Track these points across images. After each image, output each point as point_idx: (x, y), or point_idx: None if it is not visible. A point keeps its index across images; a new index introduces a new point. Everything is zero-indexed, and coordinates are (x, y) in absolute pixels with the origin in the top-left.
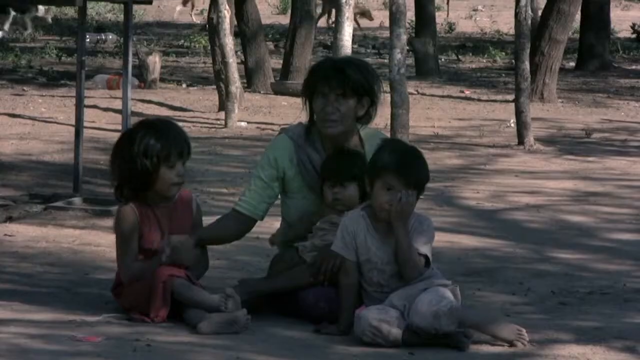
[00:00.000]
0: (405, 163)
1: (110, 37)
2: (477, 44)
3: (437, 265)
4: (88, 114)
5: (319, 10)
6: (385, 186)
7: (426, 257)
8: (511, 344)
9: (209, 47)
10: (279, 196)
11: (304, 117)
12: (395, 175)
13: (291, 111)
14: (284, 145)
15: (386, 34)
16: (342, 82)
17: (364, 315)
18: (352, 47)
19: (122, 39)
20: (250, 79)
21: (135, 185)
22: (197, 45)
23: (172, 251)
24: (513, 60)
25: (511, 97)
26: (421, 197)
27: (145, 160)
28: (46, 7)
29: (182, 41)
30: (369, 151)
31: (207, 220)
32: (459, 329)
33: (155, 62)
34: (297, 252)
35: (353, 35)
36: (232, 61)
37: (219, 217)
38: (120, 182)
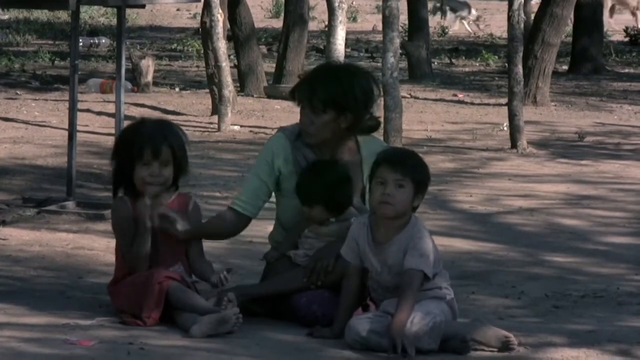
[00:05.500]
0: (397, 155)
1: (104, 41)
2: (470, 48)
3: (443, 269)
4: (81, 117)
5: (311, 14)
6: (378, 181)
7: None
8: (499, 349)
9: (202, 51)
10: (274, 196)
11: None
12: (385, 167)
13: (284, 115)
14: (280, 144)
15: (379, 37)
16: (310, 100)
17: (354, 325)
18: (345, 51)
19: (115, 42)
20: (243, 83)
21: (117, 182)
22: (190, 49)
23: (169, 219)
24: (506, 64)
25: (504, 100)
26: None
27: (119, 156)
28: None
29: (175, 45)
30: (366, 156)
31: None
32: (458, 338)
33: (148, 65)
34: (289, 260)
35: (346, 39)
36: (225, 65)
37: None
38: (112, 180)
